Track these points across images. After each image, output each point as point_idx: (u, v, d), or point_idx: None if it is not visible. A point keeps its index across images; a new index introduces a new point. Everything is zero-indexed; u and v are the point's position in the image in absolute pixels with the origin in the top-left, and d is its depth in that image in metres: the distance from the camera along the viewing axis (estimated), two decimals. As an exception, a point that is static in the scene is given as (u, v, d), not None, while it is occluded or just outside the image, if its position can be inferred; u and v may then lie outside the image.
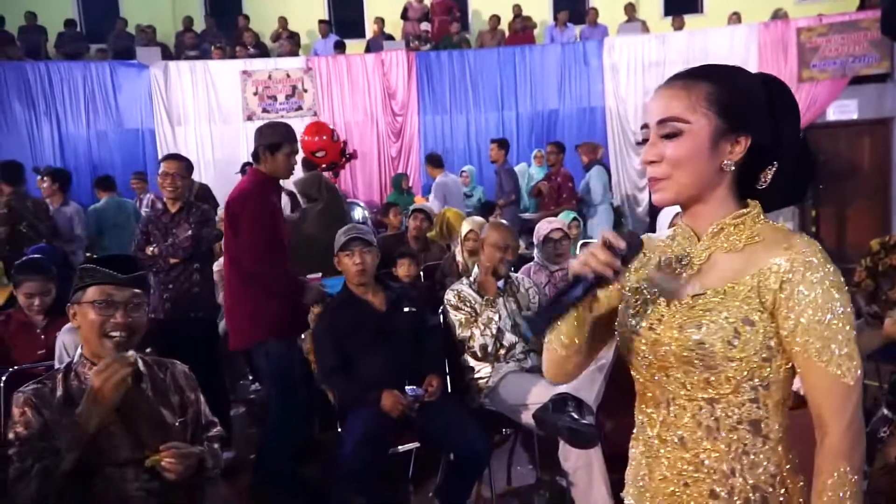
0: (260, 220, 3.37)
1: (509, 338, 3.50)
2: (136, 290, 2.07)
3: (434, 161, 8.37)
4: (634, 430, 1.39)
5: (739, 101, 1.22)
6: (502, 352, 3.48)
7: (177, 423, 2.12)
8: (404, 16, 12.12)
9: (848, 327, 1.18)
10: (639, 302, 1.32)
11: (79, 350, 2.11)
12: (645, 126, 1.31)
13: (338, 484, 3.62)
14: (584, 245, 5.99)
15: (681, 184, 1.23)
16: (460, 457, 3.13)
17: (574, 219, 6.09)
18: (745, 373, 1.21)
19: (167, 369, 2.19)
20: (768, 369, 1.21)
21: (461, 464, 3.13)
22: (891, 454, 2.82)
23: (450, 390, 3.51)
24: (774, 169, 1.26)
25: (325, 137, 6.45)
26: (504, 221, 4.52)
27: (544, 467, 3.73)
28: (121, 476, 1.96)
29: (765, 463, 1.23)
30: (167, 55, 10.90)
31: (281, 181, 3.78)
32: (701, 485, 1.25)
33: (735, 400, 1.22)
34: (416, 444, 3.28)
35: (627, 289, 1.36)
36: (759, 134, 1.23)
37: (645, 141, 1.28)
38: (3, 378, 2.70)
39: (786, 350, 1.20)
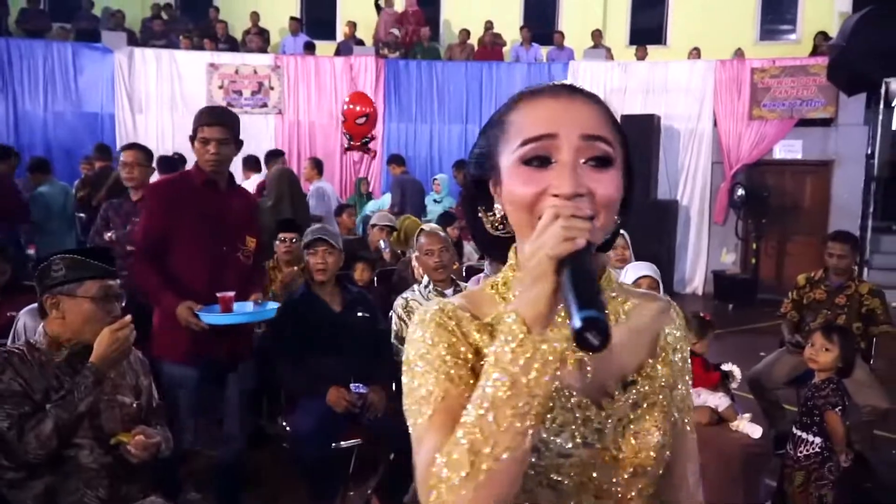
0: (150, 203, 3.06)
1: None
2: (119, 281, 2.24)
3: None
4: None
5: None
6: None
7: (133, 405, 2.23)
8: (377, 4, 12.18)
9: None
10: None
11: (40, 331, 2.20)
12: (542, 138, 0.89)
13: (284, 472, 3.74)
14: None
15: (598, 234, 0.88)
16: (403, 452, 3.27)
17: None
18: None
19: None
20: None
21: (403, 458, 3.28)
22: (801, 475, 3.06)
23: (394, 388, 3.65)
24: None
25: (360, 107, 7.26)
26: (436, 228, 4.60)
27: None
28: (77, 452, 2.06)
29: None
30: (133, 41, 10.84)
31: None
32: None
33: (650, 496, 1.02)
34: (359, 441, 3.41)
35: None
36: (630, 186, 0.98)
37: (540, 159, 0.89)
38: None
39: None
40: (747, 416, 3.18)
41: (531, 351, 0.77)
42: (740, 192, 9.64)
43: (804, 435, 3.07)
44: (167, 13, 12.34)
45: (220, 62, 10.36)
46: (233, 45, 11.58)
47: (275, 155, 8.03)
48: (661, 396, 0.99)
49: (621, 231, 4.22)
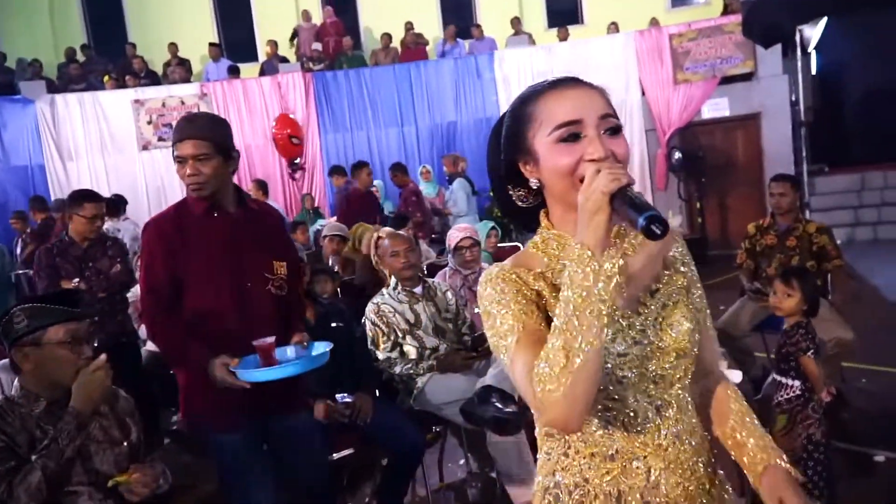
0: (147, 247, 2.55)
1: (431, 341, 3.68)
2: (88, 321, 2.21)
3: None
4: (590, 477, 1.24)
5: None
6: (426, 354, 3.66)
7: (124, 444, 2.20)
8: (293, 39, 12.20)
9: None
10: None
11: (16, 386, 2.16)
12: (572, 123, 1.17)
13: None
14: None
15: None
16: (396, 453, 3.28)
17: (492, 228, 6.25)
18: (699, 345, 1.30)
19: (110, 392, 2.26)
20: None
21: (397, 461, 3.29)
22: (784, 419, 3.16)
23: (378, 393, 3.66)
24: None
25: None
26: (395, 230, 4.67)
27: (474, 461, 3.92)
28: (75, 498, 2.03)
29: (695, 419, 1.32)
30: (53, 88, 10.55)
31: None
32: (697, 467, 1.27)
33: (691, 374, 1.30)
34: (351, 451, 3.41)
35: None
36: None
37: (573, 136, 1.17)
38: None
39: None
40: (723, 363, 3.27)
41: (597, 268, 1.05)
42: (677, 155, 9.90)
43: (783, 380, 3.14)
44: (84, 53, 12.05)
45: (145, 97, 10.17)
46: (155, 79, 11.36)
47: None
48: (680, 296, 1.29)
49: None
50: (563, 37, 11.58)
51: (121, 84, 10.73)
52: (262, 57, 12.57)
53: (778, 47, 9.31)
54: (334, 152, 10.63)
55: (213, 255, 2.46)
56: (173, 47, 11.82)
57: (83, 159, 9.91)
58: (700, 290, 1.35)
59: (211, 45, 12.00)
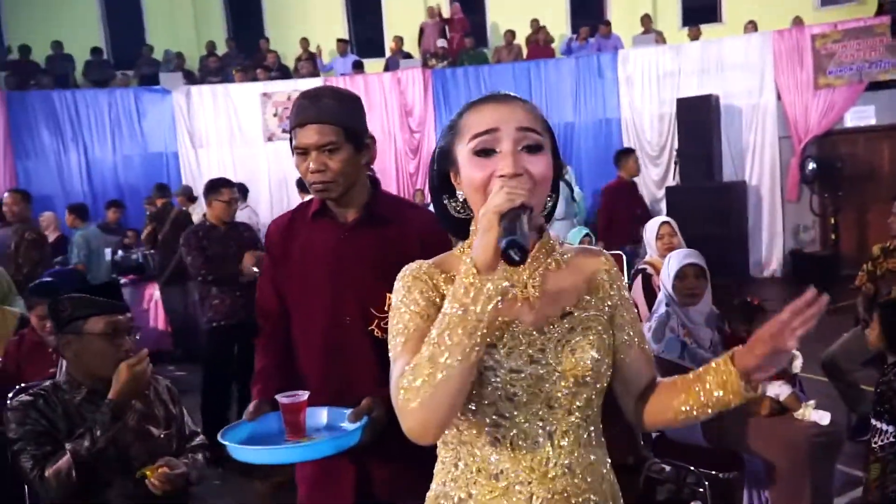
0: (266, 253, 2.11)
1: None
2: (129, 314, 2.24)
3: None
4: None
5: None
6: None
7: (162, 436, 2.25)
8: (420, 37, 12.32)
9: None
10: (498, 336, 1.18)
11: (64, 371, 2.25)
12: (488, 132, 1.17)
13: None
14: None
15: (534, 200, 1.14)
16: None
17: (586, 235, 5.99)
18: (609, 378, 1.26)
19: (151, 385, 2.31)
20: None
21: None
22: (877, 468, 2.80)
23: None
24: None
25: None
26: None
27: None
28: (105, 485, 2.09)
29: (600, 457, 1.26)
30: (192, 80, 11.23)
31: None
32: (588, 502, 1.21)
33: (598, 408, 1.25)
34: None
35: None
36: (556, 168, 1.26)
37: (487, 151, 1.16)
38: (10, 394, 2.84)
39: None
40: (812, 402, 2.96)
41: (479, 287, 1.03)
42: (811, 165, 9.17)
43: (878, 424, 2.81)
44: (227, 45, 12.74)
45: (273, 91, 10.62)
46: (285, 73, 11.83)
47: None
48: (594, 323, 1.24)
49: (667, 218, 4.13)
50: (695, 36, 11.00)
51: (251, 77, 11.26)
52: (388, 53, 12.80)
53: (937, 50, 8.41)
54: (450, 149, 10.66)
55: (311, 276, 1.91)
56: (304, 42, 12.26)
57: (213, 148, 10.50)
58: (632, 314, 1.32)
59: (339, 40, 12.35)
